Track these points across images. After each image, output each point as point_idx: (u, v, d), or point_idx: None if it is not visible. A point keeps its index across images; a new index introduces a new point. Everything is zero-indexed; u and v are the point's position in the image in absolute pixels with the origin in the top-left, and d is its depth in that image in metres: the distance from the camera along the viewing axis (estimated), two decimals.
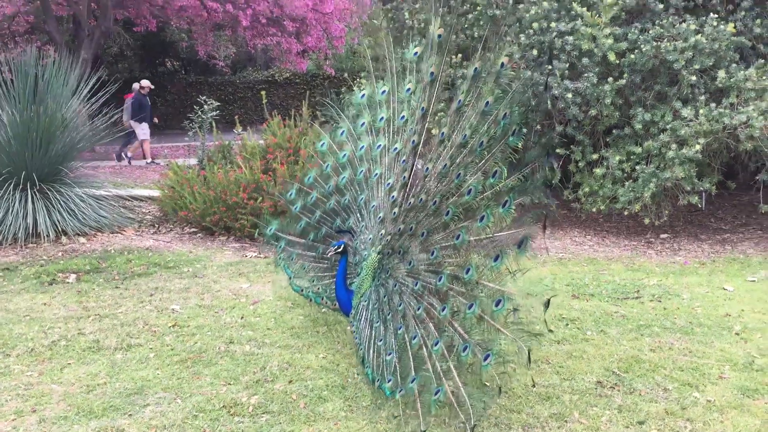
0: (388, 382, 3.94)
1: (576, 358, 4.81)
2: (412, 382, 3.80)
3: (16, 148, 8.11)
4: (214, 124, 10.19)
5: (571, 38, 8.15)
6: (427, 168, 4.47)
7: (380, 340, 4.19)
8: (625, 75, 7.95)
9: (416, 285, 4.24)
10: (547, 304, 3.93)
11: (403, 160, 4.59)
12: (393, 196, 4.56)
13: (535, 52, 8.35)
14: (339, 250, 4.53)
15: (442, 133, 4.47)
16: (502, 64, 4.36)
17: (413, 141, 4.52)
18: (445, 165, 4.40)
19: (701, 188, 7.85)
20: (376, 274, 4.52)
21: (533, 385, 4.31)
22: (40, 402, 4.07)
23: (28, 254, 7.47)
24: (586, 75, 8.02)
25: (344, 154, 5.07)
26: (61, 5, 17.65)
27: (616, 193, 8.10)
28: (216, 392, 4.21)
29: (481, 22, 9.10)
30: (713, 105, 7.56)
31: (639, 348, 5.00)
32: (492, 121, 4.31)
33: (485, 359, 3.68)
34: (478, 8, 9.13)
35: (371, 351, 4.21)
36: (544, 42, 8.36)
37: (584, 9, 8.15)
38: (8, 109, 8.18)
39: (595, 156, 8.39)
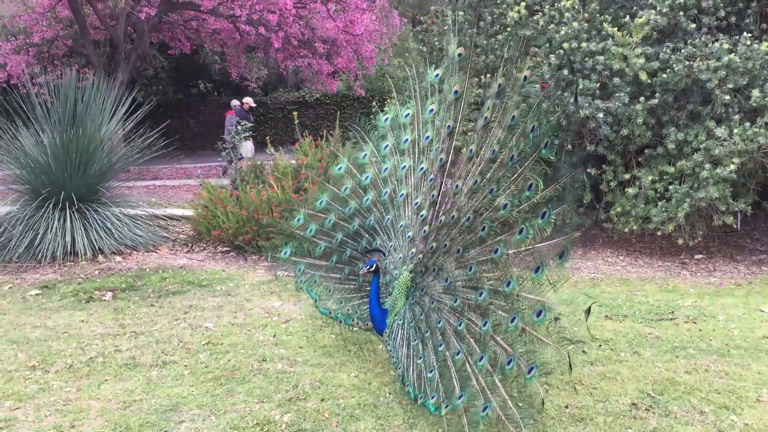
0: (432, 398, 3.96)
1: (609, 380, 4.76)
2: (459, 398, 3.83)
3: (55, 169, 8.31)
4: (251, 143, 10.33)
5: (601, 58, 8.14)
6: (457, 185, 4.50)
7: (420, 358, 4.22)
8: (657, 94, 7.91)
9: (455, 302, 4.27)
10: (588, 311, 4.04)
11: (431, 179, 4.63)
12: (422, 215, 4.60)
13: (565, 71, 8.36)
14: (371, 269, 4.52)
15: (471, 150, 4.49)
16: (525, 77, 4.40)
17: (440, 159, 4.58)
18: (476, 181, 4.43)
19: (736, 208, 7.75)
20: (409, 293, 4.55)
21: (566, 407, 4.28)
22: (78, 417, 4.15)
23: (66, 272, 7.63)
24: (617, 95, 8.00)
25: (367, 176, 5.11)
26: (98, 29, 18.12)
27: (648, 213, 8.03)
28: (249, 410, 4.25)
29: (511, 43, 9.13)
30: (747, 124, 7.48)
31: (674, 370, 4.93)
32: (520, 134, 4.32)
33: (529, 372, 3.71)
34: (508, 29, 9.17)
35: (411, 369, 4.23)
36: (575, 61, 8.36)
37: (615, 29, 8.15)
38: (48, 132, 8.40)
39: (627, 176, 8.34)
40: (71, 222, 8.09)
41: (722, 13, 8.16)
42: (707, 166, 7.53)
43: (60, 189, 8.21)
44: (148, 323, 5.98)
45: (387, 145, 5.07)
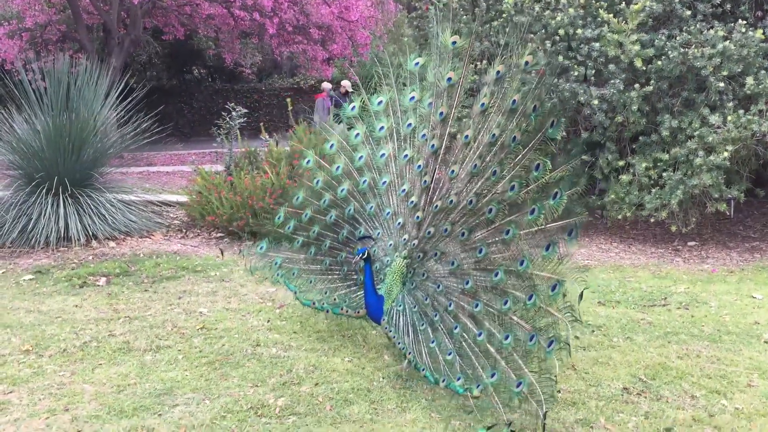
0: (458, 380, 4.02)
1: (602, 365, 4.80)
2: (492, 377, 3.87)
3: (48, 154, 8.27)
4: (238, 133, 10.30)
5: (597, 45, 8.13)
6: (453, 171, 4.51)
7: (432, 342, 4.26)
8: (652, 81, 7.90)
9: (467, 284, 4.29)
10: (580, 296, 4.07)
11: (419, 166, 4.65)
12: (413, 201, 4.63)
13: (560, 58, 8.34)
14: (364, 256, 4.50)
15: (466, 136, 4.51)
16: (526, 62, 4.42)
17: (432, 146, 4.59)
18: (476, 165, 4.44)
19: (729, 195, 7.77)
20: (406, 279, 4.57)
21: (559, 391, 4.31)
22: (72, 401, 4.16)
23: (59, 257, 7.62)
24: (612, 81, 7.99)
25: (338, 167, 5.08)
26: (91, 14, 17.99)
27: (642, 200, 8.04)
28: (243, 394, 4.26)
29: (507, 30, 9.10)
30: (741, 112, 7.48)
31: (666, 355, 4.97)
32: (521, 115, 4.34)
33: (549, 346, 3.78)
34: (504, 15, 9.14)
35: (423, 354, 4.26)
36: (571, 48, 8.35)
37: (611, 15, 8.13)
38: (42, 116, 8.36)
39: (621, 163, 8.35)
40: (65, 207, 8.06)
41: (717, 0, 8.14)
42: (701, 153, 7.54)
43: (53, 174, 8.17)
44: (142, 308, 5.98)
45: (357, 134, 5.04)
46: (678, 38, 7.86)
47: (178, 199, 9.82)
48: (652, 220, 8.16)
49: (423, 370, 4.24)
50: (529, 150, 4.28)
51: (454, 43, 4.59)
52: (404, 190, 4.72)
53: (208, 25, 19.35)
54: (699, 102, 7.89)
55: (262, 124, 10.68)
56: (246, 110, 10.74)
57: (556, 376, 3.92)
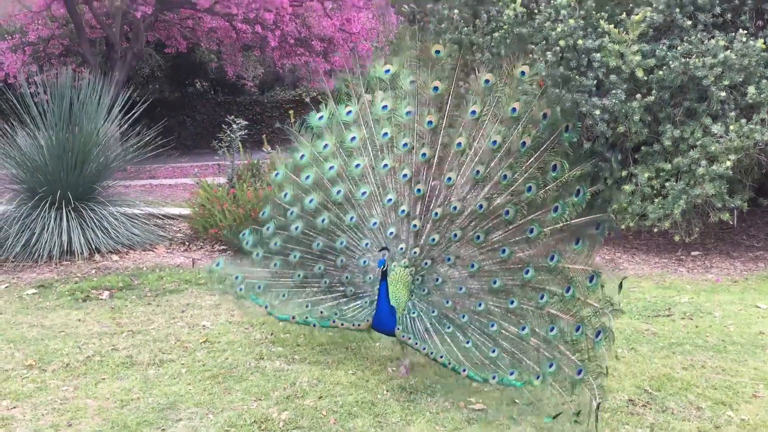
0: (511, 374, 4.08)
1: (607, 376, 4.77)
2: (550, 367, 3.94)
3: (52, 168, 8.29)
4: (240, 145, 10.31)
5: (598, 55, 8.14)
6: (450, 178, 4.54)
7: (467, 342, 4.29)
8: (654, 91, 7.91)
9: (494, 283, 4.35)
10: (620, 286, 4.23)
11: (404, 175, 4.67)
12: (403, 211, 4.65)
13: (561, 69, 8.36)
14: (384, 268, 4.39)
15: (459, 143, 4.55)
16: (522, 72, 4.47)
17: (424, 154, 4.61)
18: (478, 171, 4.48)
19: (732, 205, 7.76)
20: (414, 286, 4.59)
21: (563, 404, 4.29)
22: (75, 416, 4.16)
23: (62, 271, 7.62)
24: (613, 92, 8.00)
25: (307, 176, 5.02)
26: (94, 28, 18.07)
27: (645, 210, 8.03)
28: (247, 407, 4.25)
29: (508, 41, 9.14)
30: (744, 121, 7.48)
31: (671, 366, 4.95)
32: (526, 121, 4.40)
33: (597, 336, 3.91)
34: (504, 27, 9.17)
35: (460, 355, 4.29)
36: (571, 59, 8.36)
37: (611, 26, 8.14)
38: (45, 131, 8.38)
39: (623, 173, 8.34)
40: (68, 221, 8.07)
41: (718, 10, 8.15)
42: (703, 162, 7.53)
43: (56, 188, 8.18)
44: (145, 322, 5.97)
45: (326, 144, 4.99)
46: (679, 48, 7.87)
47: (181, 212, 9.83)
48: (655, 230, 8.14)
49: (464, 371, 4.24)
50: (542, 153, 4.35)
51: (438, 52, 4.65)
52: (391, 199, 4.72)
53: (211, 38, 19.43)
54: (701, 111, 7.89)
55: (264, 136, 10.69)
56: (247, 122, 10.75)
57: (606, 368, 4.02)
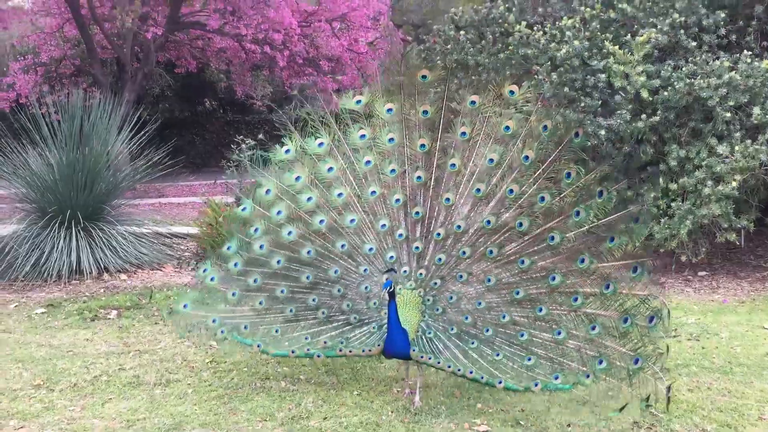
0: (556, 379, 4.17)
1: (612, 398, 4.74)
2: (600, 364, 4.10)
3: (62, 188, 8.37)
4: (248, 164, 10.38)
5: (603, 76, 8.20)
6: (448, 198, 4.59)
7: (497, 354, 4.33)
8: (659, 112, 7.95)
9: (517, 294, 4.40)
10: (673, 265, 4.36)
11: (397, 200, 4.68)
12: (401, 234, 4.66)
13: (566, 89, 8.41)
14: (391, 290, 4.37)
15: (453, 164, 4.60)
16: (511, 91, 4.60)
17: (419, 177, 4.64)
18: (479, 189, 4.54)
19: (738, 225, 7.75)
20: (425, 306, 4.59)
21: (569, 425, 4.30)
22: None
23: (71, 290, 7.68)
24: (619, 112, 8.04)
25: (278, 211, 4.88)
26: (106, 49, 18.29)
27: (651, 231, 8.04)
28: (252, 428, 4.27)
29: (513, 62, 9.21)
30: (749, 141, 7.50)
31: (677, 388, 4.92)
32: (527, 137, 4.49)
33: (650, 321, 4.10)
34: (510, 48, 9.24)
35: (492, 369, 4.32)
36: (577, 80, 8.42)
37: (616, 47, 8.20)
38: (55, 151, 8.48)
39: (629, 193, 8.35)
40: (77, 240, 8.13)
41: (723, 31, 8.21)
42: (709, 183, 7.54)
43: (66, 208, 8.25)
44: (152, 342, 6.01)
45: (298, 177, 4.89)
46: (684, 69, 7.92)
47: (189, 231, 9.88)
48: (661, 250, 8.14)
49: (500, 383, 4.27)
50: (552, 163, 4.44)
51: (424, 77, 4.70)
52: (385, 225, 4.71)
53: (220, 59, 19.63)
54: (706, 132, 7.91)
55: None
56: (255, 142, 10.83)
57: (667, 347, 4.22)
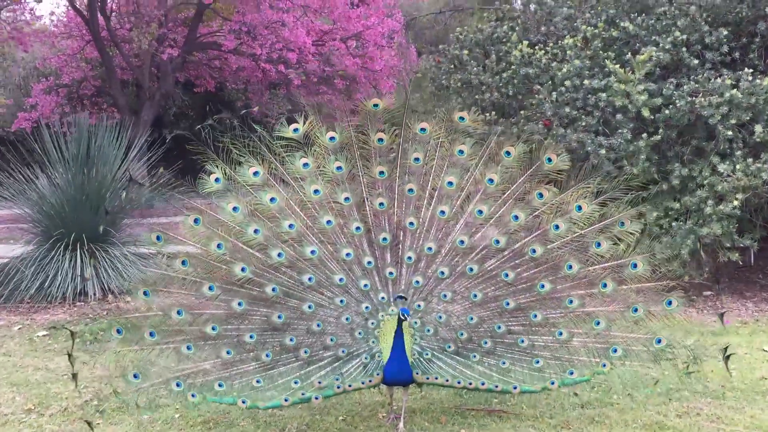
0: (571, 374, 4.41)
1: (598, 424, 4.74)
2: (614, 352, 4.44)
3: (68, 211, 8.52)
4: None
5: (604, 95, 8.15)
6: (412, 222, 4.58)
7: (503, 363, 4.48)
8: (661, 130, 7.87)
9: (507, 305, 4.51)
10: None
11: (357, 228, 4.57)
12: (370, 262, 4.58)
13: (567, 108, 8.38)
14: (405, 318, 4.27)
15: (411, 189, 4.61)
16: (461, 117, 4.71)
17: (381, 204, 4.59)
18: (443, 212, 4.58)
19: (741, 244, 7.63)
20: (415, 330, 4.58)
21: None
22: None
23: (75, 312, 7.81)
24: (620, 131, 7.99)
25: (218, 245, 4.51)
26: (125, 70, 18.63)
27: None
28: None
29: (515, 81, 9.20)
30: (751, 160, 7.40)
31: (665, 413, 4.89)
32: (485, 162, 4.62)
33: (669, 305, 4.56)
34: (512, 67, 9.24)
35: (503, 376, 4.47)
36: (577, 99, 8.39)
37: (617, 66, 8.16)
38: (63, 173, 8.63)
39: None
40: (82, 262, 8.26)
41: (726, 49, 8.13)
42: (710, 202, 7.44)
43: (72, 231, 8.37)
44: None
45: (236, 207, 4.55)
46: (686, 87, 7.84)
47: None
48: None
49: (515, 388, 4.44)
50: (518, 186, 4.60)
51: (375, 105, 4.68)
52: (350, 254, 4.53)
53: (238, 78, 19.86)
54: (709, 150, 7.82)
55: None
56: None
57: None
